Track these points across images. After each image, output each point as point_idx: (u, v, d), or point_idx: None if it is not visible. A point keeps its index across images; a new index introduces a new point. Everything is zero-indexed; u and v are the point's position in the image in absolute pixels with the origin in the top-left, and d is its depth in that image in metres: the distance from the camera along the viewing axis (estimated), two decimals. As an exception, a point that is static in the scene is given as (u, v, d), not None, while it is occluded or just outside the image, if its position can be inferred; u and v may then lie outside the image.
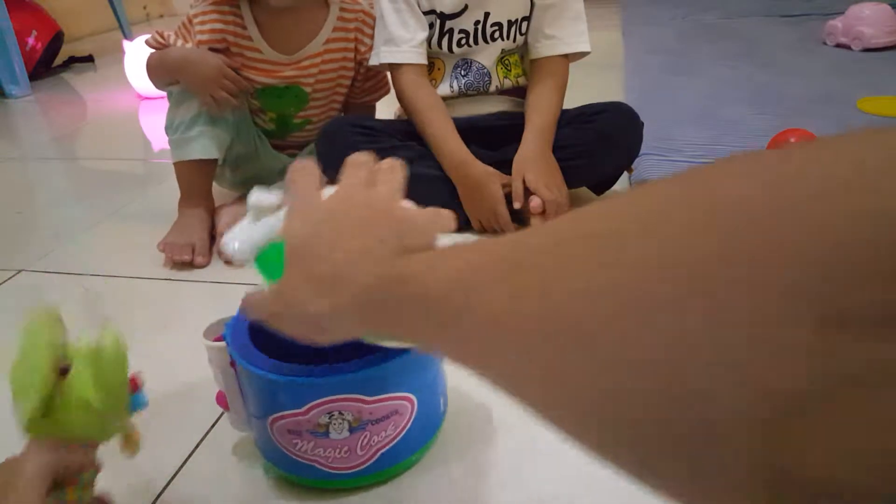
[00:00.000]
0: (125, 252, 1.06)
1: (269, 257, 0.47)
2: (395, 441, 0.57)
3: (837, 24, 1.86)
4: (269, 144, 1.16)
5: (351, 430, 0.55)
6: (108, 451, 0.66)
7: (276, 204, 0.49)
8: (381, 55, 1.06)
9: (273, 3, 1.03)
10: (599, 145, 1.02)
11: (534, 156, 0.99)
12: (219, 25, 1.05)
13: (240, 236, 0.49)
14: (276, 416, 0.56)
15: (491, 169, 1.01)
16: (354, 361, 0.53)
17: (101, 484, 0.62)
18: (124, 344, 0.48)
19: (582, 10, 1.08)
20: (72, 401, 0.45)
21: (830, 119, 1.31)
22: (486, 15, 1.06)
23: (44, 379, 0.45)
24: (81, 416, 0.46)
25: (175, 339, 0.83)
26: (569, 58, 1.08)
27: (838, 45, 1.86)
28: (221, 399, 0.61)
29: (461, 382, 0.70)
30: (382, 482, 0.59)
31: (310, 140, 1.17)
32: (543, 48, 1.07)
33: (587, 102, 1.09)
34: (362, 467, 0.57)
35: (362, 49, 1.11)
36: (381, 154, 1.01)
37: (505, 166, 1.02)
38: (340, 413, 0.54)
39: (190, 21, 1.06)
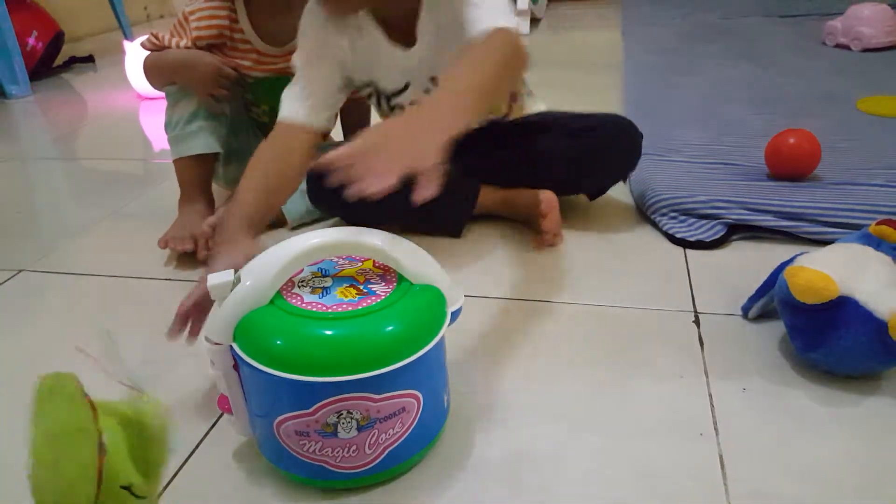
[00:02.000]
0: (125, 252, 1.06)
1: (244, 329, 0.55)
2: (403, 439, 0.57)
3: (837, 25, 1.86)
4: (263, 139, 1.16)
5: (359, 428, 0.55)
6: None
7: (231, 282, 0.56)
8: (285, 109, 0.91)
9: None
10: (597, 161, 1.00)
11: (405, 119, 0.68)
12: (215, 21, 1.06)
13: (209, 323, 0.57)
14: (282, 417, 0.55)
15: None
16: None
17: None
18: (165, 416, 0.44)
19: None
20: (114, 490, 0.40)
21: (830, 119, 1.31)
22: (433, 79, 0.95)
23: (92, 480, 0.39)
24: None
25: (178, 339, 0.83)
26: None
27: (838, 46, 1.86)
28: (224, 403, 0.60)
29: (460, 382, 0.70)
30: (385, 482, 0.59)
31: None
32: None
33: (586, 104, 1.08)
34: (369, 466, 0.57)
35: None
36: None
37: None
38: (349, 412, 0.54)
39: (185, 18, 1.06)
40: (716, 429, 0.63)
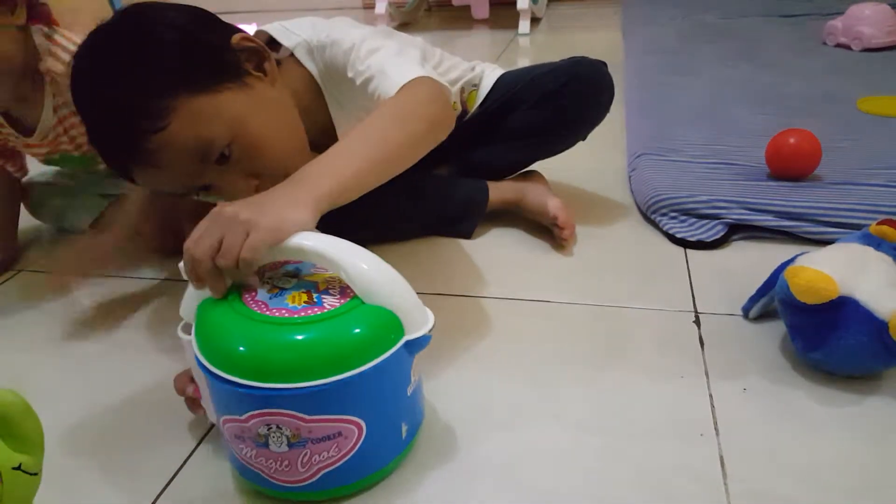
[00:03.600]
0: (125, 252, 1.06)
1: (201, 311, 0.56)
2: (340, 463, 0.54)
3: (837, 24, 1.86)
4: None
5: (290, 445, 0.52)
6: (109, 450, 0.66)
7: None
8: None
9: None
10: (563, 127, 0.98)
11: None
12: None
13: (184, 303, 0.59)
14: (223, 417, 0.55)
15: None
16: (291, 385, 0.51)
17: (104, 482, 0.62)
18: (14, 394, 0.45)
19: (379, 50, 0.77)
20: (9, 474, 0.43)
21: (830, 119, 1.31)
22: None
23: None
24: (22, 484, 0.44)
25: (175, 339, 0.83)
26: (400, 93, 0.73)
27: (838, 45, 1.86)
28: (197, 392, 0.61)
29: (459, 382, 0.70)
30: (378, 481, 0.59)
31: None
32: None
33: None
34: (304, 483, 0.55)
35: None
36: None
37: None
38: (278, 427, 0.52)
39: None
40: (716, 429, 0.63)
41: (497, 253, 0.99)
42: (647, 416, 0.65)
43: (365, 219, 0.81)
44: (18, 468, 0.44)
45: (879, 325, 0.63)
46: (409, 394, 0.58)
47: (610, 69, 0.99)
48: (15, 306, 0.95)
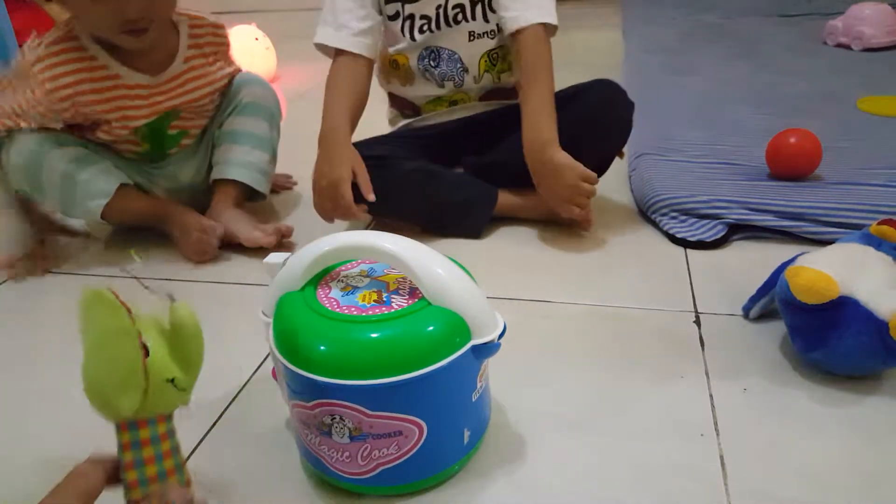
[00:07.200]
0: (125, 252, 1.06)
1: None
2: (399, 461, 0.55)
3: (837, 24, 1.86)
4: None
5: (352, 437, 0.54)
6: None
7: (280, 263, 0.60)
8: (318, 36, 1.01)
9: (128, 46, 0.93)
10: (585, 124, 0.98)
11: (552, 138, 0.94)
12: (71, 66, 0.93)
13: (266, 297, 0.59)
14: (293, 402, 0.57)
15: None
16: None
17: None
18: (196, 318, 0.48)
19: None
20: (159, 383, 0.46)
21: (830, 119, 1.31)
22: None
23: (139, 373, 0.44)
24: (169, 395, 0.46)
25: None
26: (547, 29, 1.04)
27: (838, 45, 1.86)
28: (274, 373, 0.63)
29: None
30: (390, 497, 0.58)
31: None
32: (512, 21, 1.01)
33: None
34: (363, 477, 0.56)
35: (226, 70, 1.07)
36: (393, 178, 0.99)
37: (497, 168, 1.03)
38: (342, 418, 0.53)
39: (25, 71, 0.92)
40: (716, 429, 0.63)
41: (498, 253, 0.99)
42: (648, 416, 0.65)
43: (376, 204, 0.95)
44: (171, 381, 0.46)
45: (879, 325, 0.63)
46: (473, 399, 0.58)
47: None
48: (15, 306, 0.95)
